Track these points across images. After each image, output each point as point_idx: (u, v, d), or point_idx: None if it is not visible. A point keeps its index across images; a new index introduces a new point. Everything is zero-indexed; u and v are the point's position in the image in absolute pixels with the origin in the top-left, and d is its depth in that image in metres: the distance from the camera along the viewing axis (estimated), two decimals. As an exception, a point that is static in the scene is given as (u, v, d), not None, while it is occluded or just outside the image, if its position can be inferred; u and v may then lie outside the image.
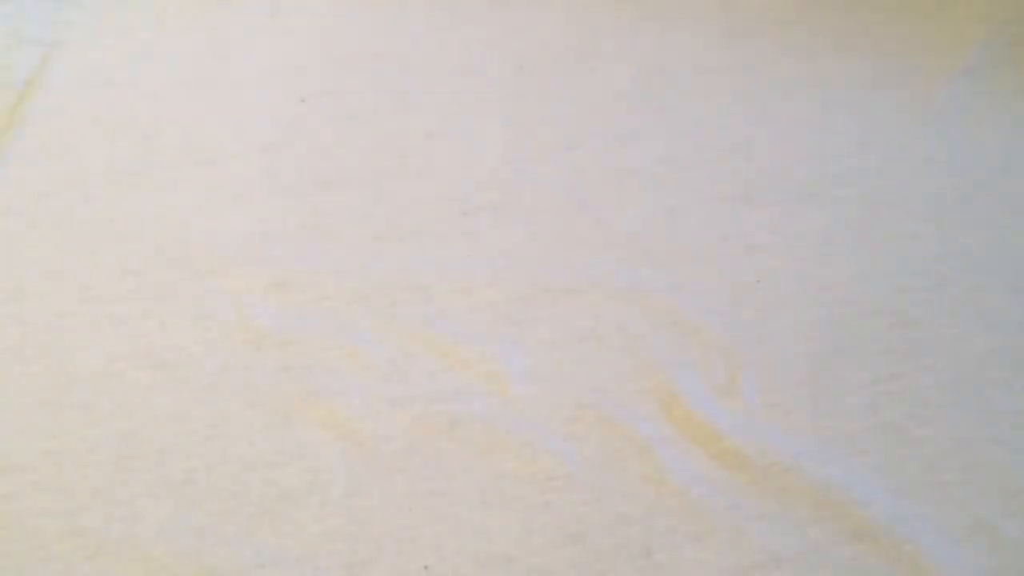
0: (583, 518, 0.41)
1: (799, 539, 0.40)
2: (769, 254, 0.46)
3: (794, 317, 0.46)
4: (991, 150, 0.55)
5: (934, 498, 0.39)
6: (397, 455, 0.44)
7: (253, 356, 0.47)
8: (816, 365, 0.44)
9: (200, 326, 0.48)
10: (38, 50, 0.60)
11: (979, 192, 0.53)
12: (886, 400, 0.43)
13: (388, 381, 0.46)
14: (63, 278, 0.50)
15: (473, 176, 0.53)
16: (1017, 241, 0.51)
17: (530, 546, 0.41)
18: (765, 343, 0.45)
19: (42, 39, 0.60)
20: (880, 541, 0.38)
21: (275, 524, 0.42)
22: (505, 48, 0.59)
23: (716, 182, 0.53)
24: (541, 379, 0.46)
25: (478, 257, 0.50)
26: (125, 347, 0.48)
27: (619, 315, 0.44)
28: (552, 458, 0.43)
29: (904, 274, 0.50)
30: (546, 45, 0.59)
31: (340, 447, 0.44)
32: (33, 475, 0.44)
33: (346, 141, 0.55)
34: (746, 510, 0.41)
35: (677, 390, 0.45)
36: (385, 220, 0.52)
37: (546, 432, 0.44)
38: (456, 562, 0.41)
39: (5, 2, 0.63)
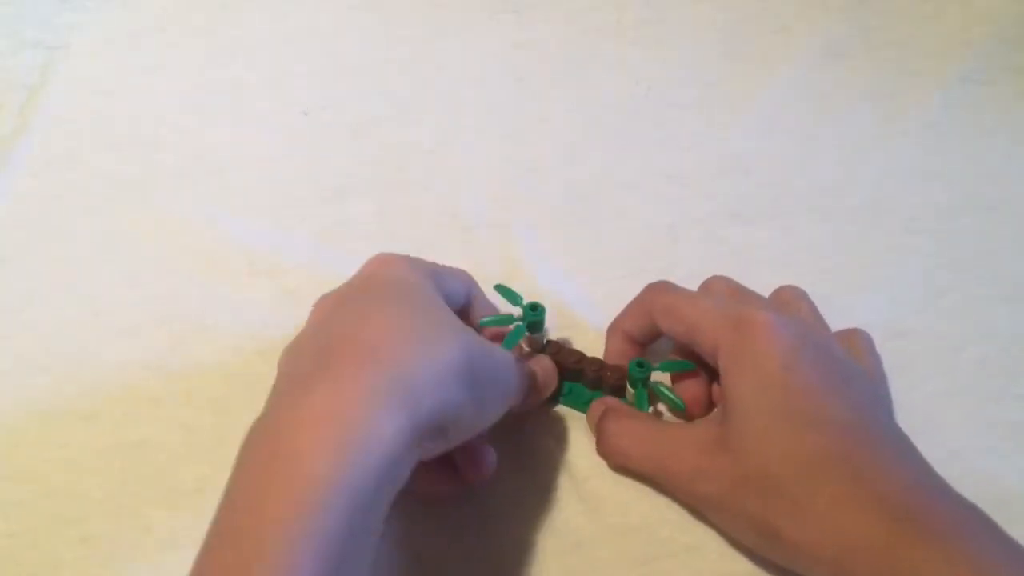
0: (582, 527, 0.42)
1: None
2: (766, 268, 0.46)
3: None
4: (987, 160, 0.55)
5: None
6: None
7: (261, 365, 0.47)
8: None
9: (207, 336, 0.49)
10: (41, 54, 0.60)
11: (974, 203, 0.53)
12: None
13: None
14: (70, 287, 0.50)
15: (474, 190, 0.54)
16: (1011, 252, 0.52)
17: (530, 553, 0.41)
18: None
19: (44, 43, 0.60)
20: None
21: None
22: (505, 61, 0.59)
23: (715, 196, 0.53)
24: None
25: (479, 272, 0.50)
26: (132, 356, 0.48)
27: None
28: (552, 468, 0.44)
29: (899, 286, 0.50)
30: (546, 57, 0.59)
31: (344, 455, 0.45)
32: (43, 484, 0.44)
33: (348, 153, 0.55)
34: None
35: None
36: (388, 233, 0.52)
37: (546, 441, 0.45)
38: (457, 569, 0.41)
39: (6, 4, 0.63)
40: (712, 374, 0.44)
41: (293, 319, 0.49)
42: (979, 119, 0.56)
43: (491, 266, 0.51)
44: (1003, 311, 0.49)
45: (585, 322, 0.48)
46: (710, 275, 0.45)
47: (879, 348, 0.45)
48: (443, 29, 0.60)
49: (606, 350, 0.46)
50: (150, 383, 0.47)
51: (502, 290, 0.46)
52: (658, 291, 0.44)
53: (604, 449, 0.43)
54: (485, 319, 0.44)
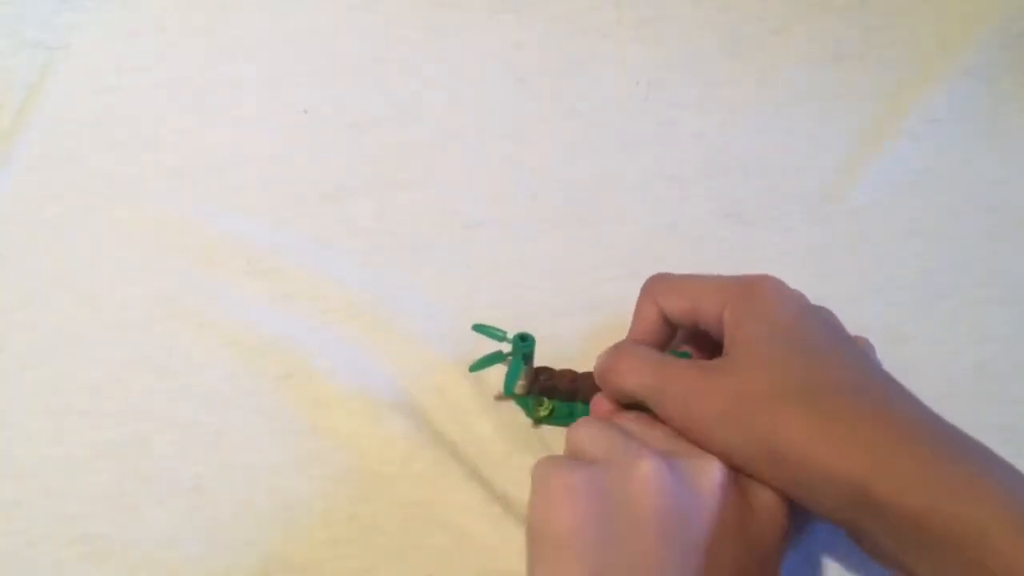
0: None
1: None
2: (765, 269, 0.46)
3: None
4: (986, 162, 0.55)
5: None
6: (400, 462, 0.44)
7: (257, 364, 0.48)
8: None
9: (204, 334, 0.49)
10: (40, 53, 0.60)
11: (973, 205, 0.53)
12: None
13: (390, 390, 0.47)
14: (68, 286, 0.50)
15: (474, 189, 0.54)
16: (1009, 255, 0.52)
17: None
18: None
19: (44, 42, 0.60)
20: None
21: (280, 531, 0.43)
22: (506, 59, 0.59)
23: (714, 197, 0.53)
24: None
25: (480, 272, 0.50)
26: (130, 354, 0.48)
27: (618, 336, 0.44)
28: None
29: (896, 289, 0.50)
30: (546, 57, 0.59)
31: (344, 455, 0.45)
32: (40, 481, 0.44)
33: (348, 151, 0.55)
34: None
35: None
36: (388, 232, 0.52)
37: (548, 449, 0.45)
38: (458, 572, 0.41)
39: (6, 4, 0.62)
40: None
41: (291, 317, 0.49)
42: (979, 120, 0.56)
43: (490, 266, 0.51)
44: (1001, 315, 0.50)
45: (584, 323, 0.48)
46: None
47: (877, 351, 0.45)
48: (443, 29, 0.60)
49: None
50: (148, 381, 0.47)
51: (482, 329, 0.45)
52: (657, 279, 0.44)
53: (601, 370, 0.42)
54: (474, 364, 0.44)
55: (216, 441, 0.46)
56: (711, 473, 0.36)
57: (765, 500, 0.37)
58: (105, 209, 0.53)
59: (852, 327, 0.45)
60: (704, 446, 0.39)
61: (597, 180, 0.54)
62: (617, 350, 0.42)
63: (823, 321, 0.40)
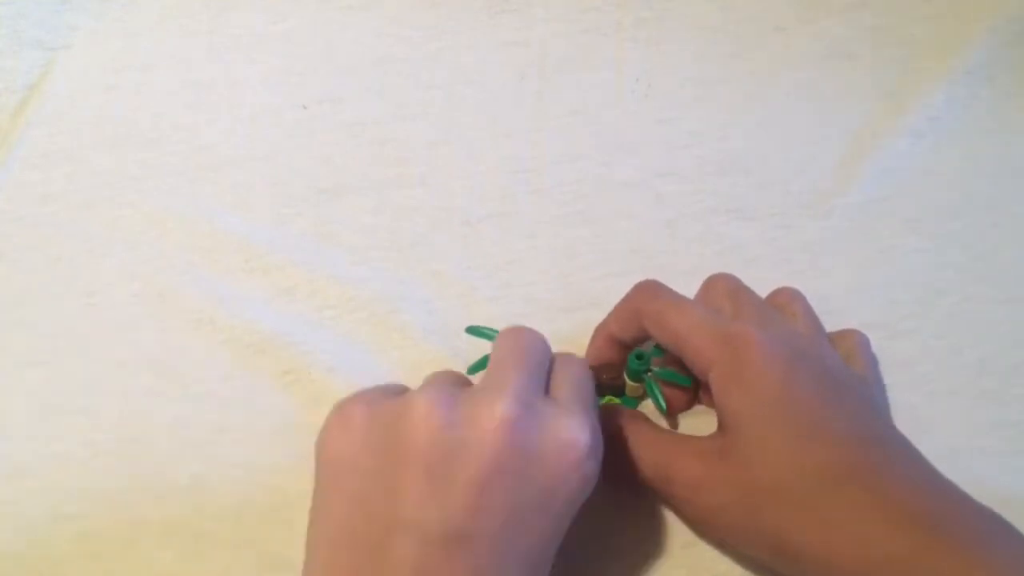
0: (574, 526, 0.42)
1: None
2: (764, 266, 0.46)
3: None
4: (986, 160, 0.55)
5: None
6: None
7: (256, 361, 0.48)
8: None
9: (203, 331, 0.49)
10: (40, 53, 0.60)
11: (973, 203, 0.53)
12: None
13: (388, 388, 0.47)
14: (66, 283, 0.50)
15: (473, 186, 0.54)
16: (1009, 252, 0.51)
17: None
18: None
19: (44, 42, 0.60)
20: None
21: (278, 529, 0.43)
22: (506, 57, 0.59)
23: (714, 195, 0.53)
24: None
25: (478, 270, 0.50)
26: (128, 352, 0.48)
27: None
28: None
29: (896, 286, 0.50)
30: (546, 54, 0.59)
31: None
32: (37, 480, 0.44)
33: (347, 149, 0.55)
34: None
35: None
36: (387, 229, 0.52)
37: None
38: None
39: (6, 4, 0.63)
40: (698, 380, 0.44)
41: (290, 314, 0.49)
42: (979, 119, 0.56)
43: (489, 263, 0.51)
44: (1002, 312, 0.49)
45: (583, 320, 0.48)
46: (708, 273, 0.45)
47: (877, 348, 0.45)
48: (443, 28, 0.60)
49: (587, 352, 0.46)
50: (146, 379, 0.47)
51: (476, 331, 0.44)
52: (647, 295, 0.44)
53: (614, 456, 0.42)
54: (471, 366, 0.44)
55: (214, 439, 0.46)
56: (494, 409, 0.34)
57: (558, 444, 0.35)
58: (104, 207, 0.53)
59: (852, 324, 0.45)
60: (713, 535, 0.41)
61: (596, 178, 0.54)
62: (621, 428, 0.42)
63: (812, 375, 0.39)
